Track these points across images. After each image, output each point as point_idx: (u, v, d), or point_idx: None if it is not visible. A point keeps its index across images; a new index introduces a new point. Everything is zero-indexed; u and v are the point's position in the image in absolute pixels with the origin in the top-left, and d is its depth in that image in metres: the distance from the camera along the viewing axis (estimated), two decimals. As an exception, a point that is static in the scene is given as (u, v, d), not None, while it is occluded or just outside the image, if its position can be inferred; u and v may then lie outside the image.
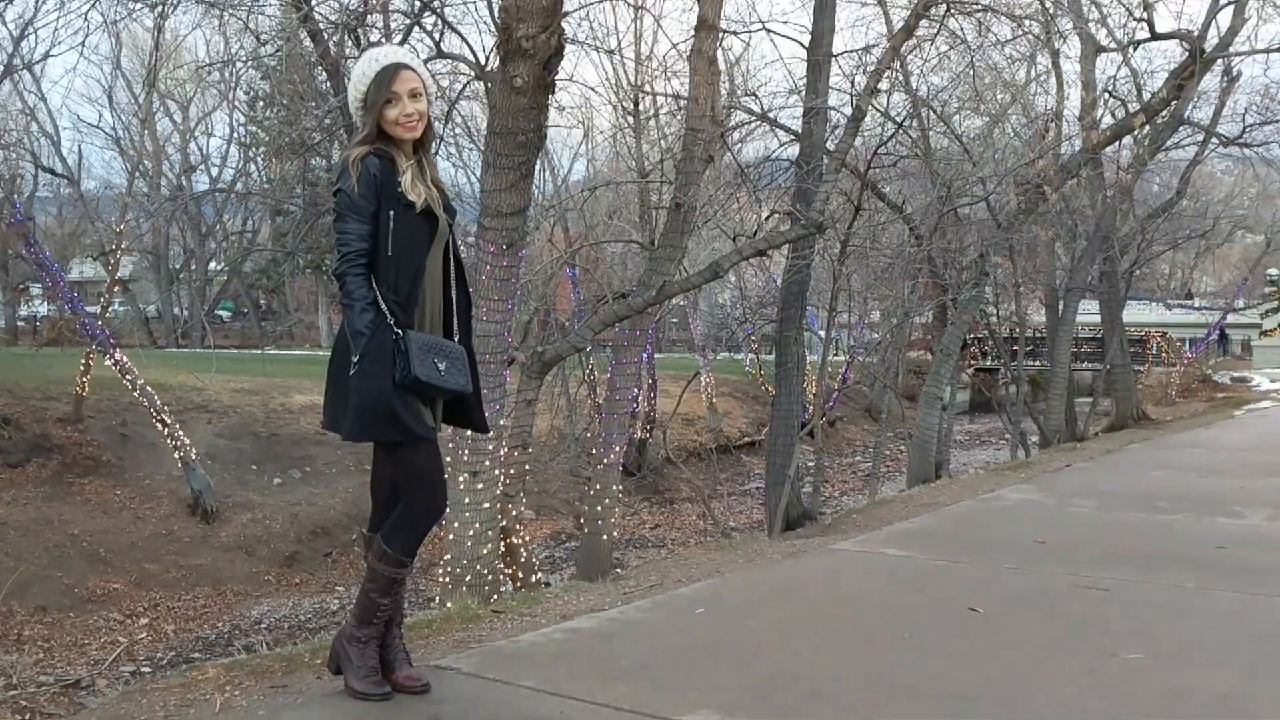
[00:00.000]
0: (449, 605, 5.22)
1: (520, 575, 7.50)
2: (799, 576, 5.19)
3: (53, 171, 32.86)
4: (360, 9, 10.58)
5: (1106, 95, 14.48)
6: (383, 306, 3.02)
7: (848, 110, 11.14)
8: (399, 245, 3.06)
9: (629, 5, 14.26)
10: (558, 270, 15.00)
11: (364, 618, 3.18)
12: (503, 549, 6.94)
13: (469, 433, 6.09)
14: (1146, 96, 13.70)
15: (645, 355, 16.82)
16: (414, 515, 3.16)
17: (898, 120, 12.33)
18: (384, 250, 3.05)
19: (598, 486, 9.03)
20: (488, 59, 10.14)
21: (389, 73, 3.08)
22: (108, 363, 13.10)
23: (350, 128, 12.59)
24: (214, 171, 37.68)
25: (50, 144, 34.01)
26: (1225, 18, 13.25)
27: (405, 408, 3.02)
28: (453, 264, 3.24)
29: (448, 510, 6.28)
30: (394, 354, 2.99)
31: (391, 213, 3.06)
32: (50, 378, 14.78)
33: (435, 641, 3.90)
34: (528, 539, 8.17)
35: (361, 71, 3.13)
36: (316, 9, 10.88)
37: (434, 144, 3.27)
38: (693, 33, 7.86)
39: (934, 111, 13.00)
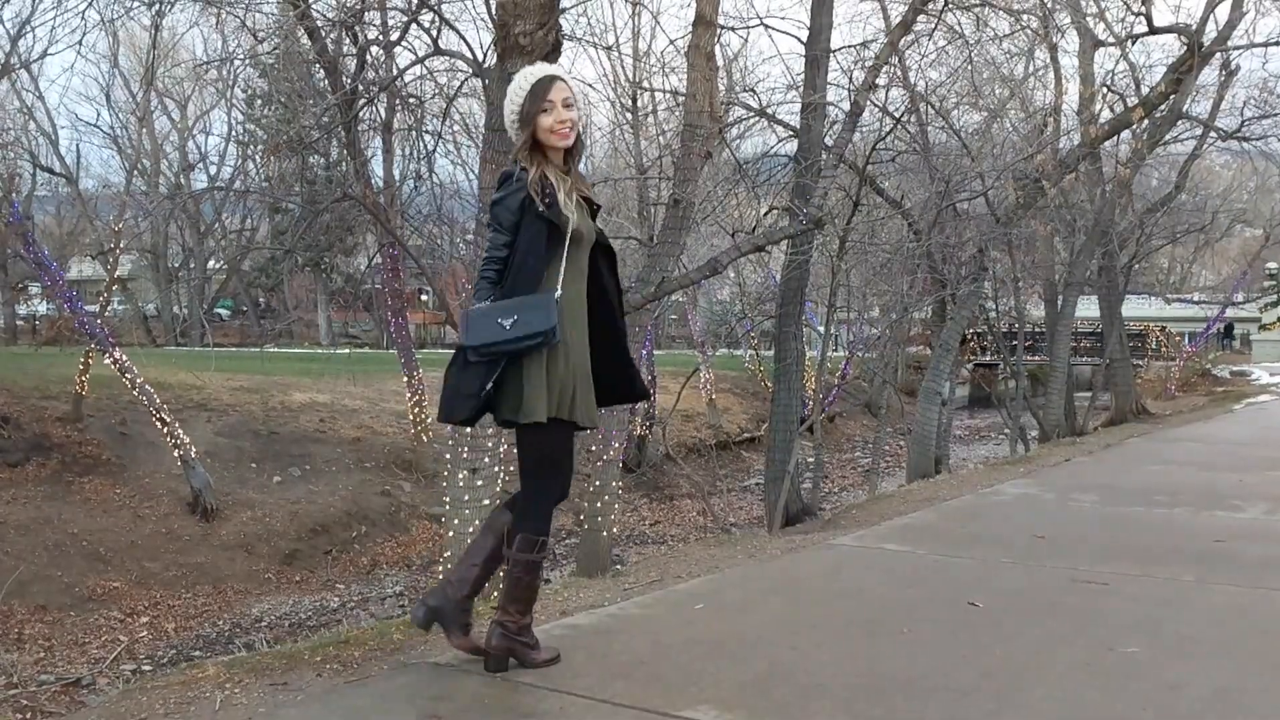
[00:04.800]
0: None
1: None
2: (798, 572, 5.20)
3: (51, 170, 32.86)
4: (358, 6, 10.58)
5: (1105, 89, 14.47)
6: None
7: (846, 106, 11.15)
8: (525, 250, 3.23)
9: (627, 1, 14.25)
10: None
11: (528, 604, 3.46)
12: (502, 546, 6.93)
13: (468, 430, 6.11)
14: (1145, 91, 13.69)
15: (644, 351, 16.83)
16: (550, 498, 3.41)
17: (896, 116, 12.33)
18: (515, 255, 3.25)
19: (597, 483, 9.03)
20: (485, 56, 10.14)
21: (544, 84, 3.26)
22: (107, 361, 13.09)
23: (348, 126, 12.61)
24: (212, 170, 37.76)
25: (48, 143, 34.03)
26: (1223, 11, 13.27)
27: (461, 388, 3.22)
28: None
29: (447, 507, 6.30)
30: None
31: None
32: (49, 377, 14.78)
33: (435, 638, 3.90)
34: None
35: (518, 87, 3.30)
36: (314, 6, 10.87)
37: (581, 155, 3.45)
38: (690, 29, 7.87)
39: (932, 107, 13.00)
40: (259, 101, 29.56)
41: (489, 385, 3.18)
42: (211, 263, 39.53)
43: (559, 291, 3.19)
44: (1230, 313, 30.07)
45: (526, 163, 3.25)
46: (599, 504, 8.92)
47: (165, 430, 12.99)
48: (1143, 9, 12.89)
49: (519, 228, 3.21)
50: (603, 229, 3.50)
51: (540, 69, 3.37)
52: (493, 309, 3.14)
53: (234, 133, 34.14)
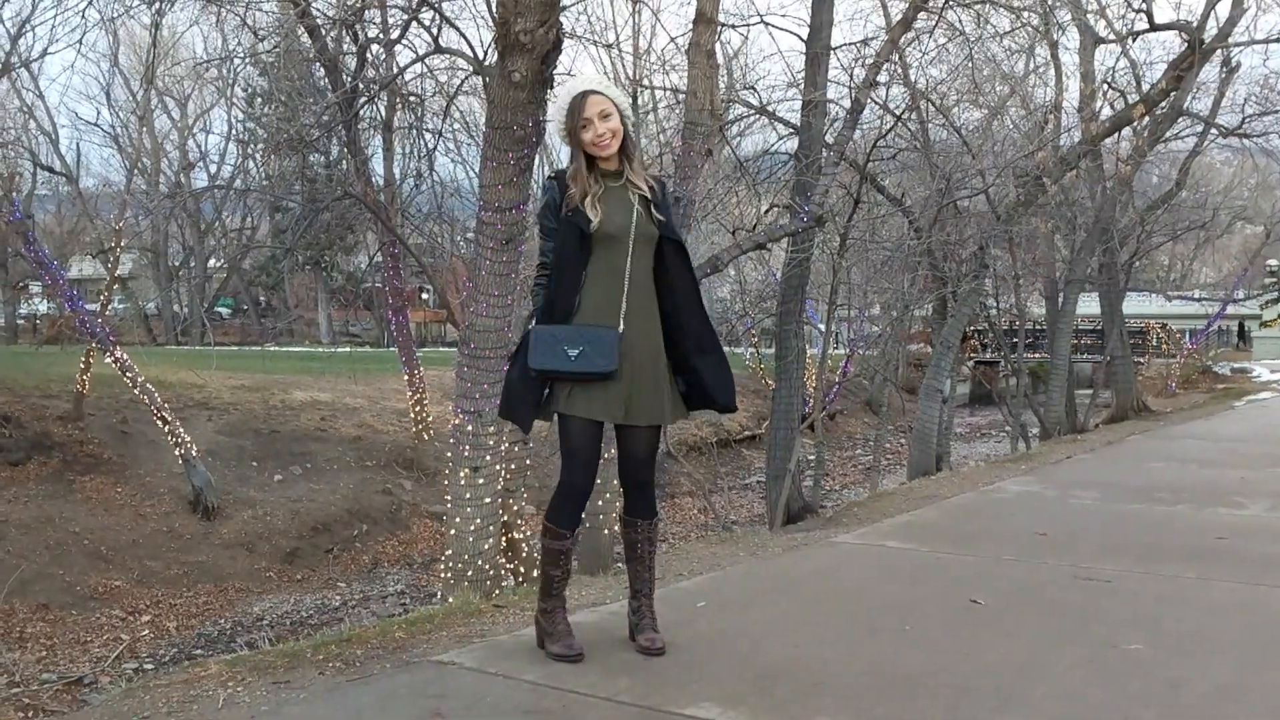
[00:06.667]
0: (450, 600, 5.23)
1: (522, 570, 7.51)
2: (800, 569, 5.20)
3: (51, 169, 32.82)
4: (358, 4, 10.57)
5: (1105, 86, 14.46)
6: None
7: (847, 103, 11.14)
8: (557, 254, 3.43)
9: (627, -1, 14.24)
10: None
11: (543, 591, 3.58)
12: (504, 544, 6.95)
13: (469, 428, 6.11)
14: (1145, 88, 13.67)
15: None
16: (558, 489, 3.51)
17: (896, 113, 12.32)
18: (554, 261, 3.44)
19: (598, 481, 9.02)
20: (486, 54, 10.15)
21: (578, 101, 3.40)
22: (108, 360, 13.10)
23: (349, 124, 12.60)
24: (212, 168, 37.73)
25: (49, 142, 34.03)
26: (1224, 8, 13.24)
27: (523, 395, 3.41)
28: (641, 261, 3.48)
29: (449, 505, 6.30)
30: (523, 349, 3.39)
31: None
32: (50, 376, 14.79)
33: (437, 636, 3.91)
34: (529, 534, 8.18)
35: (558, 107, 3.47)
36: (314, 5, 10.86)
37: (635, 155, 3.56)
38: (691, 26, 7.87)
39: (933, 104, 12.99)
40: (259, 100, 29.51)
41: (543, 397, 3.43)
42: (212, 261, 39.53)
43: (621, 326, 3.37)
44: (1231, 310, 30.02)
45: (575, 175, 3.43)
46: (600, 502, 8.91)
47: (166, 429, 12.99)
48: (1144, 6, 12.88)
49: (558, 233, 3.42)
50: (665, 220, 3.53)
51: (574, 85, 3.51)
52: (559, 335, 3.32)
53: (234, 131, 34.11)
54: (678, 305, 3.49)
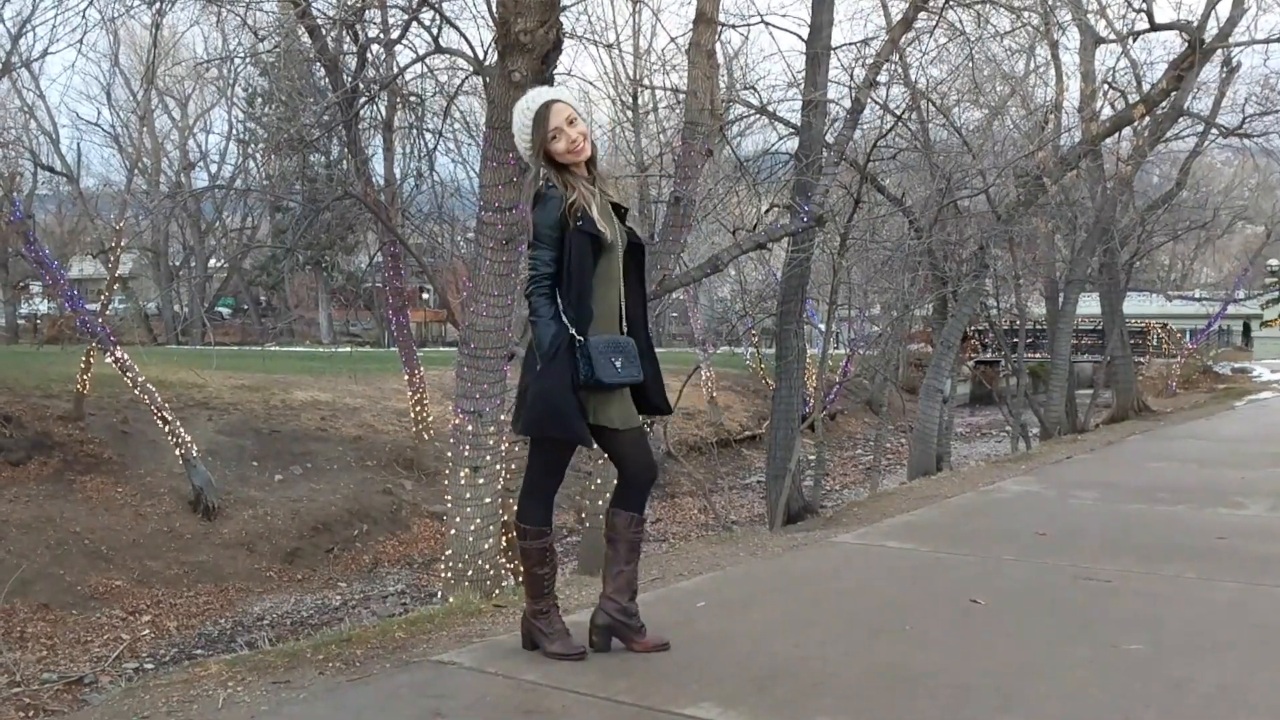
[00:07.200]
0: (451, 600, 5.23)
1: (522, 569, 7.50)
2: (800, 569, 5.20)
3: (52, 169, 32.83)
4: (358, 4, 10.56)
5: (1106, 86, 14.45)
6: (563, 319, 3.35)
7: (847, 103, 11.13)
8: (573, 264, 3.34)
9: (627, -1, 14.23)
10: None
11: (533, 592, 3.58)
12: (504, 544, 6.94)
13: (469, 428, 6.11)
14: (1146, 87, 13.66)
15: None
16: (533, 491, 3.55)
17: (897, 113, 12.31)
18: (563, 270, 3.35)
19: (598, 481, 9.02)
20: (486, 54, 10.13)
21: (543, 112, 3.36)
22: (108, 360, 13.10)
23: (349, 124, 12.59)
24: (213, 168, 37.75)
25: (49, 142, 34.06)
26: (1224, 8, 13.23)
27: (577, 407, 3.32)
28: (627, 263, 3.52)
29: (449, 505, 6.30)
30: (577, 359, 3.31)
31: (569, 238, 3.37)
32: (51, 375, 14.79)
33: (437, 636, 3.91)
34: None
35: (521, 124, 3.41)
36: (314, 4, 10.86)
37: (597, 157, 3.54)
38: (691, 26, 7.87)
39: (933, 104, 12.98)
40: (260, 100, 29.52)
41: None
42: (212, 261, 39.56)
43: (625, 332, 3.45)
44: (1234, 310, 30.03)
45: (557, 183, 3.37)
46: (600, 502, 8.91)
47: (167, 429, 12.99)
48: (1144, 5, 12.87)
49: (562, 242, 3.34)
50: (633, 227, 3.59)
51: (534, 97, 3.44)
52: (604, 346, 3.34)
53: (234, 131, 34.12)
54: (634, 309, 3.52)
